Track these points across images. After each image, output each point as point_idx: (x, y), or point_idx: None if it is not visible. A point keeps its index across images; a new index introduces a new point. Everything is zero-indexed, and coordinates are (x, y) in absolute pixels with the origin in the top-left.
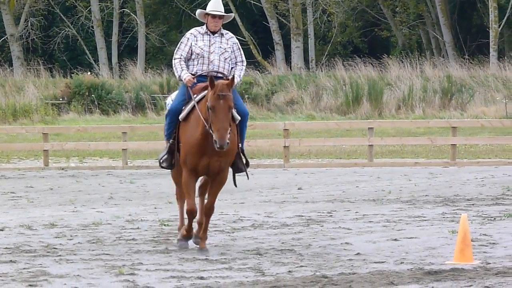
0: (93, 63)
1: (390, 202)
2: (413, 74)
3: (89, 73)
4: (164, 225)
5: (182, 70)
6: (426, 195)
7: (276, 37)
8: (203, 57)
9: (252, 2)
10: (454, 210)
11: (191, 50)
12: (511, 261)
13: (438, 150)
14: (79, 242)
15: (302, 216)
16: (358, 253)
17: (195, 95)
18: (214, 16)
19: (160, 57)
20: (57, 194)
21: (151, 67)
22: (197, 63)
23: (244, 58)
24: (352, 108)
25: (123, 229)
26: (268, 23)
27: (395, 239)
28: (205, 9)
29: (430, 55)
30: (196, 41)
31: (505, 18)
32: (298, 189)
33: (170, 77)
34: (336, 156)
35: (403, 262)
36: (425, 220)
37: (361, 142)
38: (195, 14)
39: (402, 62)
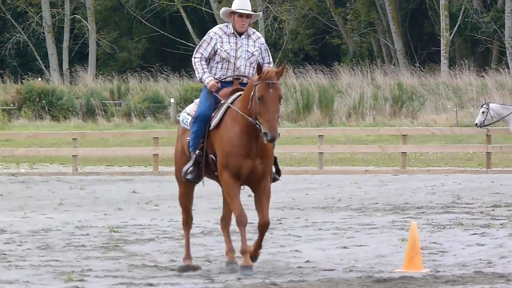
0: (44, 69)
1: (340, 210)
2: (364, 81)
3: (40, 79)
4: (114, 231)
5: (204, 72)
6: (376, 203)
7: None
8: (229, 62)
9: (203, 9)
10: (404, 218)
11: (215, 52)
12: (461, 270)
13: (388, 158)
14: (28, 248)
15: (252, 223)
16: (307, 261)
17: (222, 101)
18: (241, 15)
19: (111, 64)
20: (6, 200)
21: (102, 73)
22: (221, 68)
23: (271, 60)
24: (303, 116)
25: (73, 235)
26: None
27: (345, 247)
28: (230, 7)
29: (381, 63)
30: (222, 42)
31: (456, 26)
32: (248, 196)
33: (121, 83)
34: (286, 163)
35: (352, 270)
36: (375, 228)
37: (311, 149)
38: (146, 20)
39: (353, 69)
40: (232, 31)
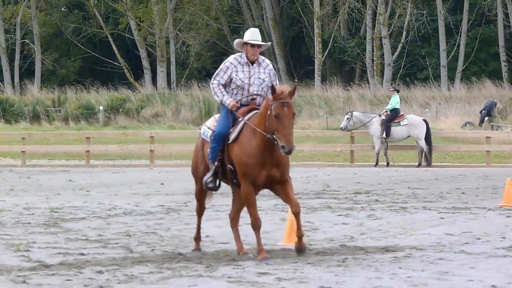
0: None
1: None
2: None
3: None
4: (54, 211)
5: (224, 95)
6: (262, 190)
7: (145, 63)
8: (243, 89)
9: (127, 35)
10: (284, 202)
11: (231, 80)
12: (329, 243)
13: None
14: None
15: (164, 205)
16: (207, 236)
17: (240, 118)
18: (253, 45)
19: (53, 78)
20: None
21: (46, 86)
22: (237, 93)
23: (278, 83)
24: (205, 120)
25: (21, 214)
26: (139, 52)
27: None
28: (242, 38)
29: None
30: (237, 71)
31: (327, 50)
32: (161, 184)
33: (61, 94)
34: (191, 158)
35: (243, 243)
36: (261, 210)
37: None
38: (81, 44)
39: None
40: (246, 61)
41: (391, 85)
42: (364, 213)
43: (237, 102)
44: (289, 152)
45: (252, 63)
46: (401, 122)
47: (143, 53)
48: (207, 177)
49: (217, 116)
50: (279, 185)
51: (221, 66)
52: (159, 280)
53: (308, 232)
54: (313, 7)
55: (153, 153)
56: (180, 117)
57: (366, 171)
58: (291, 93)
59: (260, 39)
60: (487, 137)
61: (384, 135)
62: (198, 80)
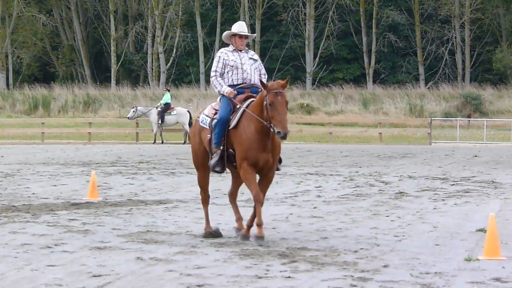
0: None
1: (57, 164)
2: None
3: None
4: None
5: (222, 85)
6: (73, 161)
7: None
8: (237, 68)
9: None
10: (98, 169)
11: (225, 65)
12: (119, 198)
13: (80, 135)
14: None
15: (2, 172)
16: (33, 193)
17: (238, 105)
18: (241, 36)
19: None
20: None
21: None
22: (232, 74)
23: (265, 71)
24: (34, 111)
25: None
26: None
27: (55, 185)
28: (230, 33)
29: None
30: (228, 57)
31: (120, 61)
32: (1, 156)
33: None
34: (32, 138)
35: (59, 198)
36: (72, 174)
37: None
38: None
39: (61, 86)
40: (234, 48)
41: (165, 86)
42: (145, 177)
43: (234, 90)
44: (284, 137)
45: (240, 51)
46: (171, 112)
47: None
48: (214, 161)
49: (213, 104)
50: (268, 171)
51: (214, 59)
52: None
53: (106, 190)
54: (110, 31)
55: None
56: (15, 109)
57: (147, 147)
58: (284, 85)
59: (247, 31)
60: None
61: (160, 121)
62: (28, 83)
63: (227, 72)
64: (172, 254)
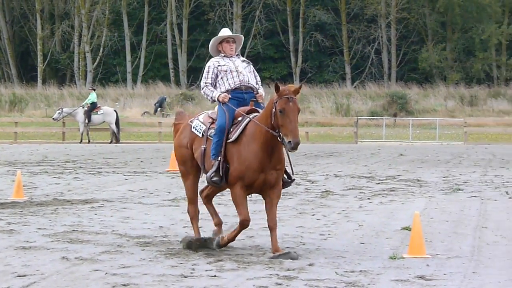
0: None
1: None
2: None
3: None
4: None
5: (212, 91)
6: None
7: None
8: (231, 71)
9: None
10: (18, 168)
11: (217, 73)
12: (45, 198)
13: (6, 135)
14: None
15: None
16: None
17: (240, 117)
18: (228, 40)
19: None
20: None
21: None
22: (228, 78)
23: (259, 78)
24: None
25: None
26: None
27: None
28: (216, 42)
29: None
30: (219, 64)
31: (47, 61)
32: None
33: None
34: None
35: None
36: None
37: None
38: None
39: None
40: (224, 55)
41: (90, 86)
42: (71, 176)
43: (228, 94)
44: (295, 147)
45: (231, 57)
46: (98, 111)
47: None
48: (211, 173)
49: (210, 112)
50: (272, 189)
51: (204, 70)
52: None
53: (31, 190)
54: (36, 30)
55: None
56: None
57: (73, 146)
58: (296, 91)
59: (231, 33)
60: (159, 122)
61: (86, 121)
62: None
63: (221, 78)
64: (97, 254)
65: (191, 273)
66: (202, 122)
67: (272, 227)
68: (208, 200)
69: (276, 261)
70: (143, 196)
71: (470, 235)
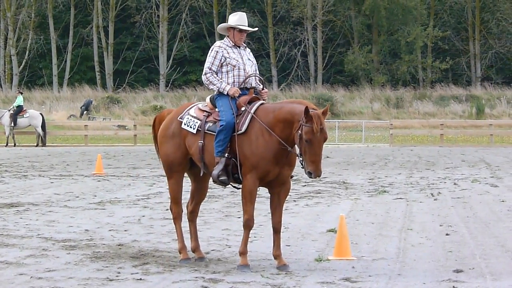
0: None
1: None
2: None
3: None
4: None
5: (221, 82)
6: None
7: None
8: (239, 69)
9: None
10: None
11: (224, 63)
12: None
13: None
14: None
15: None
16: None
17: (243, 108)
18: (241, 30)
19: None
20: None
21: None
22: (233, 75)
23: (260, 76)
24: None
25: None
26: None
27: None
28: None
29: None
30: (228, 53)
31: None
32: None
33: None
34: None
35: None
36: None
37: None
38: None
39: None
40: (232, 44)
41: (17, 89)
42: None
43: (238, 89)
44: (314, 178)
45: (239, 47)
46: (24, 115)
47: None
48: (218, 171)
49: (200, 105)
50: (282, 186)
51: (209, 54)
52: None
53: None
54: None
55: None
56: None
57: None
58: (325, 114)
59: (247, 24)
60: (85, 125)
61: (12, 124)
62: None
63: (226, 72)
64: (23, 258)
65: (117, 276)
66: (195, 117)
67: (277, 229)
68: (192, 217)
69: (201, 263)
70: (68, 200)
71: (395, 237)
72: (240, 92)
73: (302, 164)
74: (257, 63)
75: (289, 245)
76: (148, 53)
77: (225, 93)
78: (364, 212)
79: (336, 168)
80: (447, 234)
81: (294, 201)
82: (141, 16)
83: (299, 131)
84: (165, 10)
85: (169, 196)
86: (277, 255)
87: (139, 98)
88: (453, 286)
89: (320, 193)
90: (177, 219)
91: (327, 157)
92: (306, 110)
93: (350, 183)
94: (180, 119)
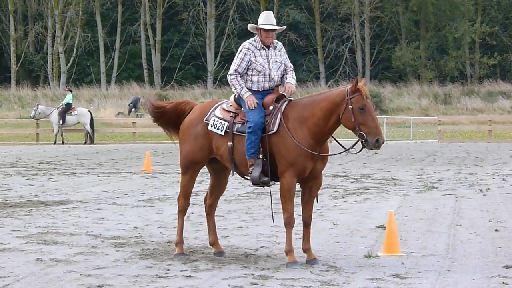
0: None
1: None
2: None
3: None
4: None
5: (242, 88)
6: None
7: None
8: (264, 75)
9: None
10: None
11: (250, 66)
12: (19, 199)
13: None
14: None
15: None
16: None
17: (271, 107)
18: (266, 30)
19: None
20: None
21: None
22: (257, 81)
23: (291, 64)
24: None
25: None
26: None
27: None
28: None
29: None
30: (255, 56)
31: (20, 62)
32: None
33: None
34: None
35: None
36: None
37: None
38: None
39: None
40: (261, 45)
41: (66, 86)
42: (45, 177)
43: (256, 101)
44: (379, 145)
45: (268, 47)
46: (72, 112)
47: None
48: (257, 173)
49: (225, 105)
50: (314, 180)
51: (237, 55)
52: None
53: (4, 191)
54: (9, 31)
55: None
56: None
57: (47, 148)
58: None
59: (274, 22)
60: (133, 122)
61: (60, 122)
62: None
63: (251, 75)
64: (72, 255)
65: (166, 273)
66: (221, 118)
67: (307, 223)
68: (210, 211)
69: (251, 260)
70: (117, 197)
71: (444, 233)
72: (258, 103)
73: (362, 142)
74: (305, 60)
75: (338, 242)
76: (195, 50)
77: (243, 98)
78: (413, 208)
79: (384, 165)
80: (496, 230)
81: (343, 197)
82: (189, 13)
83: (350, 106)
84: (213, 7)
85: (179, 189)
86: (306, 249)
87: (187, 95)
88: (503, 282)
89: (368, 189)
90: (181, 212)
91: (375, 153)
92: (356, 81)
93: (399, 179)
94: (206, 121)
